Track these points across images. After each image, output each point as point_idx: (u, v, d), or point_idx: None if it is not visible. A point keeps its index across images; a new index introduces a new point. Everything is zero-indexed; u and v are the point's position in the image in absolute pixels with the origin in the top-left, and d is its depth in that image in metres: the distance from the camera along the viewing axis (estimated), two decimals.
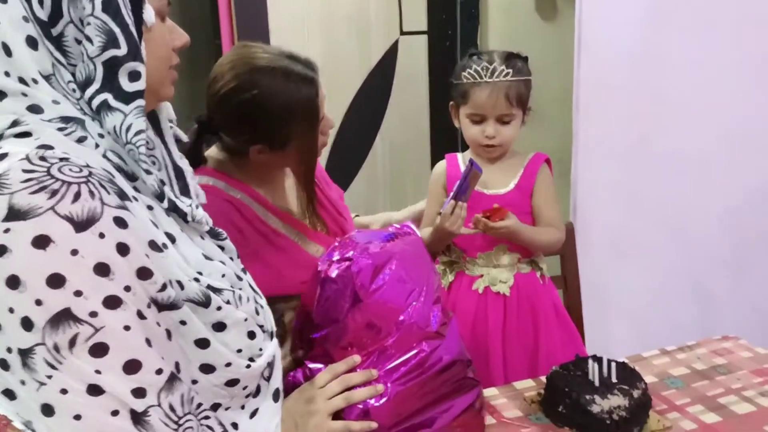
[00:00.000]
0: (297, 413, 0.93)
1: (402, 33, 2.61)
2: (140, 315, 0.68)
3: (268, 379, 0.86)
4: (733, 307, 1.88)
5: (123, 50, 0.71)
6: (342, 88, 2.56)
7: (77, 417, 0.64)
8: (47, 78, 0.70)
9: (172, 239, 0.76)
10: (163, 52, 0.81)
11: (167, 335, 0.72)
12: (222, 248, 0.87)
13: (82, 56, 0.70)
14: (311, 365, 1.02)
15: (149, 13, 0.76)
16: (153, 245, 0.70)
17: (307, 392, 0.96)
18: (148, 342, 0.68)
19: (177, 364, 0.73)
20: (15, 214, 0.62)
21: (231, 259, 0.87)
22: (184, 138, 0.90)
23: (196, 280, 0.76)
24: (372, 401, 0.96)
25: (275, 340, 0.89)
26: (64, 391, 0.64)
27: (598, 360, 1.16)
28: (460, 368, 1.04)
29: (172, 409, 0.70)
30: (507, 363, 1.49)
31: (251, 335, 0.82)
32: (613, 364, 1.14)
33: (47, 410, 0.64)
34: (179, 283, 0.72)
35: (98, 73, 0.70)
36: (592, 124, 2.06)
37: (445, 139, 2.68)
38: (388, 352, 0.98)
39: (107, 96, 0.71)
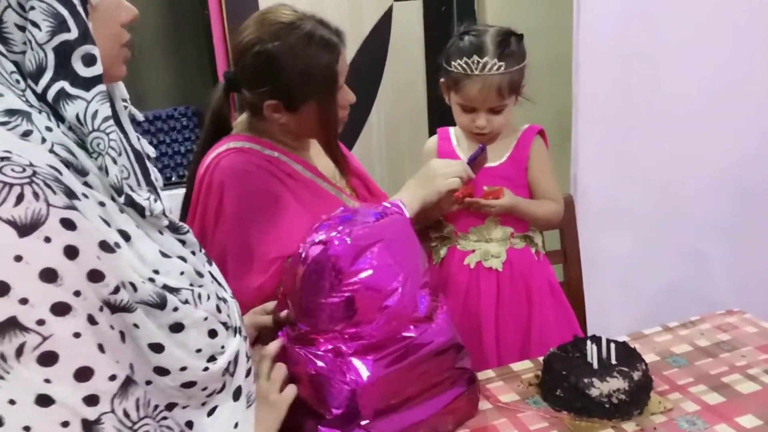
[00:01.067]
0: (264, 419, 0.91)
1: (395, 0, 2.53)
2: (91, 320, 0.65)
3: (232, 374, 0.83)
4: (734, 271, 1.87)
5: (74, 33, 0.67)
6: None
7: (26, 428, 0.61)
8: None
9: (127, 237, 0.73)
10: (112, 29, 0.76)
11: (121, 337, 0.69)
12: (183, 242, 0.83)
13: (30, 43, 0.67)
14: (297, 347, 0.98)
15: None
16: (104, 246, 0.66)
17: (262, 390, 0.94)
18: (101, 347, 0.65)
19: (131, 366, 0.70)
20: None
21: (193, 253, 0.84)
22: (140, 117, 0.86)
23: (152, 280, 0.73)
24: (362, 381, 0.92)
25: (239, 336, 0.85)
26: (12, 402, 0.61)
27: (596, 340, 1.13)
28: (451, 355, 1.00)
29: (126, 414, 0.67)
30: (500, 340, 1.46)
31: (212, 334, 0.79)
32: (612, 345, 1.11)
33: None
34: (132, 284, 0.69)
35: (50, 61, 0.67)
36: (591, 91, 2.01)
37: (442, 111, 2.60)
38: (373, 337, 0.94)
39: (64, 84, 0.68)
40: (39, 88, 0.68)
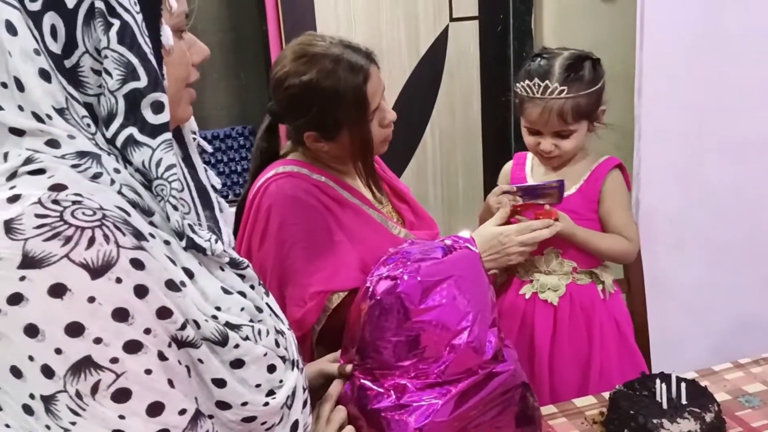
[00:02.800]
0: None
1: (452, 19, 2.52)
2: (161, 356, 0.66)
3: (290, 407, 0.83)
4: None
5: (143, 82, 0.69)
6: (390, 78, 2.49)
7: None
8: (60, 112, 0.68)
9: (191, 275, 0.74)
10: (182, 72, 0.77)
11: (188, 372, 0.70)
12: (242, 276, 0.84)
13: (103, 88, 0.69)
14: (363, 380, 0.97)
15: (167, 36, 0.73)
16: (170, 285, 0.68)
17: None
18: (170, 383, 0.67)
19: (196, 399, 0.71)
20: (29, 262, 0.61)
21: (252, 287, 0.84)
22: (209, 149, 0.88)
23: (214, 317, 0.73)
24: (425, 420, 0.91)
25: (296, 370, 0.85)
26: None
27: (665, 378, 1.08)
28: (516, 393, 0.97)
29: None
30: (554, 374, 1.42)
31: (271, 369, 0.79)
32: (683, 384, 1.06)
33: None
34: (195, 322, 0.70)
35: (119, 107, 0.69)
36: (655, 110, 1.95)
37: (496, 129, 2.59)
38: (439, 376, 0.93)
39: (132, 130, 0.70)
40: (109, 134, 0.70)
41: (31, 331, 0.60)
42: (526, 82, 1.36)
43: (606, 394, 1.15)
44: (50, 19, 0.66)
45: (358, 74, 1.22)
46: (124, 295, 0.63)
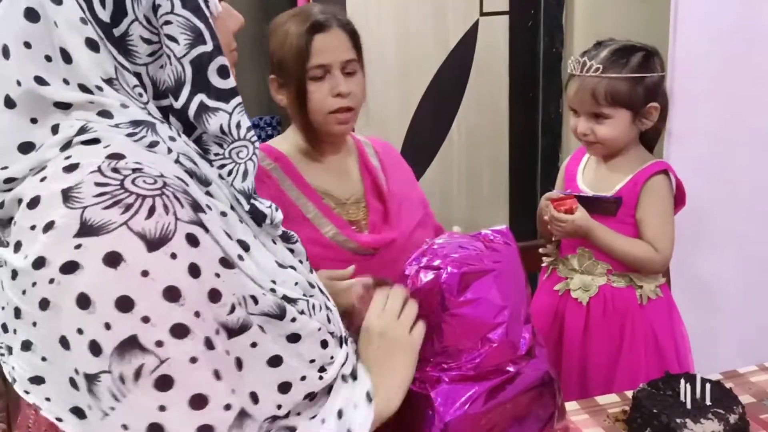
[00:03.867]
0: (382, 356, 0.85)
1: (482, 14, 2.50)
2: (208, 344, 0.63)
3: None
4: None
5: (209, 46, 0.68)
6: (417, 72, 2.49)
7: None
8: (109, 82, 0.66)
9: (246, 247, 0.71)
10: (225, 38, 0.75)
11: (237, 365, 0.67)
12: (292, 251, 0.82)
13: (169, 59, 0.68)
14: None
15: (214, 1, 0.72)
16: (224, 262, 0.65)
17: (374, 327, 0.89)
18: (217, 374, 0.63)
19: (255, 395, 0.68)
20: (87, 230, 0.59)
21: (300, 262, 0.83)
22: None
23: (272, 290, 0.71)
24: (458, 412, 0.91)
25: (345, 346, 0.84)
26: (125, 427, 0.60)
27: (690, 378, 1.07)
28: (544, 392, 0.97)
29: None
30: (581, 373, 1.42)
31: (324, 344, 0.78)
32: (708, 385, 1.05)
33: None
34: (253, 297, 0.68)
35: (188, 74, 0.68)
36: (687, 107, 1.92)
37: (524, 127, 2.57)
38: (471, 369, 0.93)
39: (202, 96, 0.69)
40: (179, 103, 0.69)
41: (83, 301, 0.59)
42: (573, 57, 1.38)
43: (629, 393, 1.14)
44: None
45: (310, 24, 1.23)
46: (178, 273, 0.60)
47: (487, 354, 0.93)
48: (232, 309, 0.65)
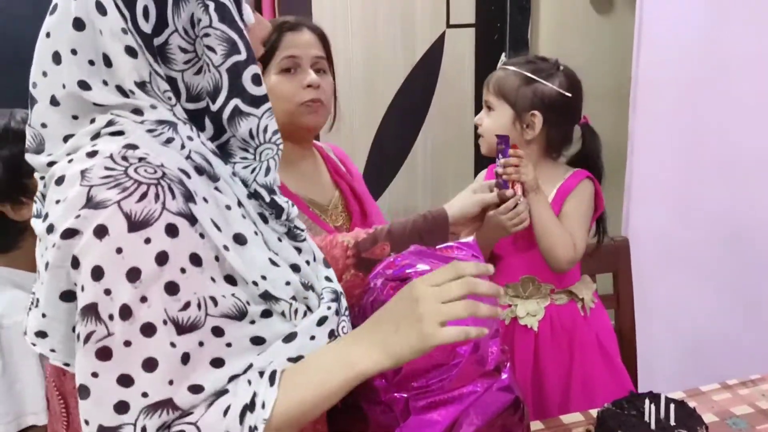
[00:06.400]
0: (400, 314, 0.75)
1: (449, 26, 2.50)
2: (146, 331, 0.67)
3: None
4: None
5: (243, 55, 0.75)
6: (384, 83, 2.48)
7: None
8: (141, 85, 0.73)
9: (243, 241, 0.75)
10: (255, 46, 0.81)
11: (183, 360, 0.69)
12: (299, 250, 0.84)
13: (208, 67, 0.75)
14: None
15: (248, 13, 0.79)
16: (194, 259, 0.69)
17: (417, 290, 0.75)
18: (148, 363, 0.68)
19: (197, 388, 0.70)
20: (90, 205, 0.67)
21: (307, 263, 0.84)
22: None
23: (255, 283, 0.74)
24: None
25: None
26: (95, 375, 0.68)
27: (654, 398, 1.07)
28: (513, 412, 0.95)
29: (144, 430, 0.68)
30: (535, 393, 1.40)
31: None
32: (672, 405, 1.05)
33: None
34: (213, 299, 0.71)
35: (224, 81, 0.75)
36: (649, 126, 1.94)
37: None
38: (440, 391, 0.90)
39: (237, 101, 0.76)
40: (215, 106, 0.76)
41: (75, 262, 0.68)
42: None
43: (593, 412, 1.13)
44: (143, 1, 0.72)
45: (281, 23, 1.29)
46: (146, 257, 0.67)
47: (457, 372, 0.90)
48: (186, 306, 0.69)
